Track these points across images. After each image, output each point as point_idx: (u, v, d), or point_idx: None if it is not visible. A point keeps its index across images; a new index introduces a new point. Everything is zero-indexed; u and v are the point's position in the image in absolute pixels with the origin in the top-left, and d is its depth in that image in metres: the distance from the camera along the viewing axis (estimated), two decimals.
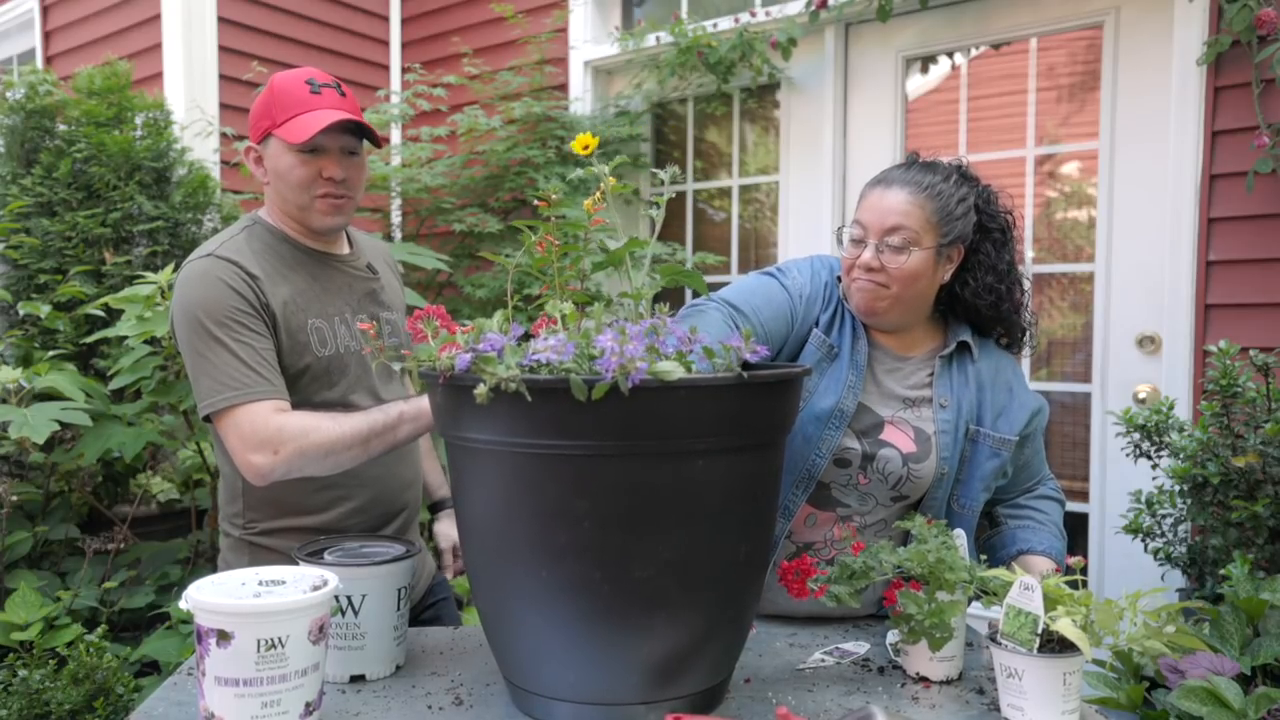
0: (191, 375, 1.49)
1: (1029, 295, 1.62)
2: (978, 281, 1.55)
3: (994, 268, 1.55)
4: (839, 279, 1.61)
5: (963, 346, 1.58)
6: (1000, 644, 1.16)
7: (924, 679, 1.30)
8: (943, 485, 1.53)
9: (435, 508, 1.91)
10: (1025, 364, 3.06)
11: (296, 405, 1.50)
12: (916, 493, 1.53)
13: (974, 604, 1.31)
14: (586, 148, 1.26)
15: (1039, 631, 1.13)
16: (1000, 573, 1.25)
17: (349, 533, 1.57)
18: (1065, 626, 1.12)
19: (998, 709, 1.19)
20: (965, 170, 1.57)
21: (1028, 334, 1.64)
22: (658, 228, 1.35)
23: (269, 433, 1.42)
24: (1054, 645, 1.15)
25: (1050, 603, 1.17)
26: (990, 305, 1.56)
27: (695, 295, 1.51)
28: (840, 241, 1.56)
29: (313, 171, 1.55)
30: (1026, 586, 1.16)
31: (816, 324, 1.56)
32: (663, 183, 1.27)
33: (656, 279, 1.26)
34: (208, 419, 1.48)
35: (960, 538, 1.36)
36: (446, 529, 1.85)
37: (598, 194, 1.25)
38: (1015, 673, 1.15)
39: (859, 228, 1.52)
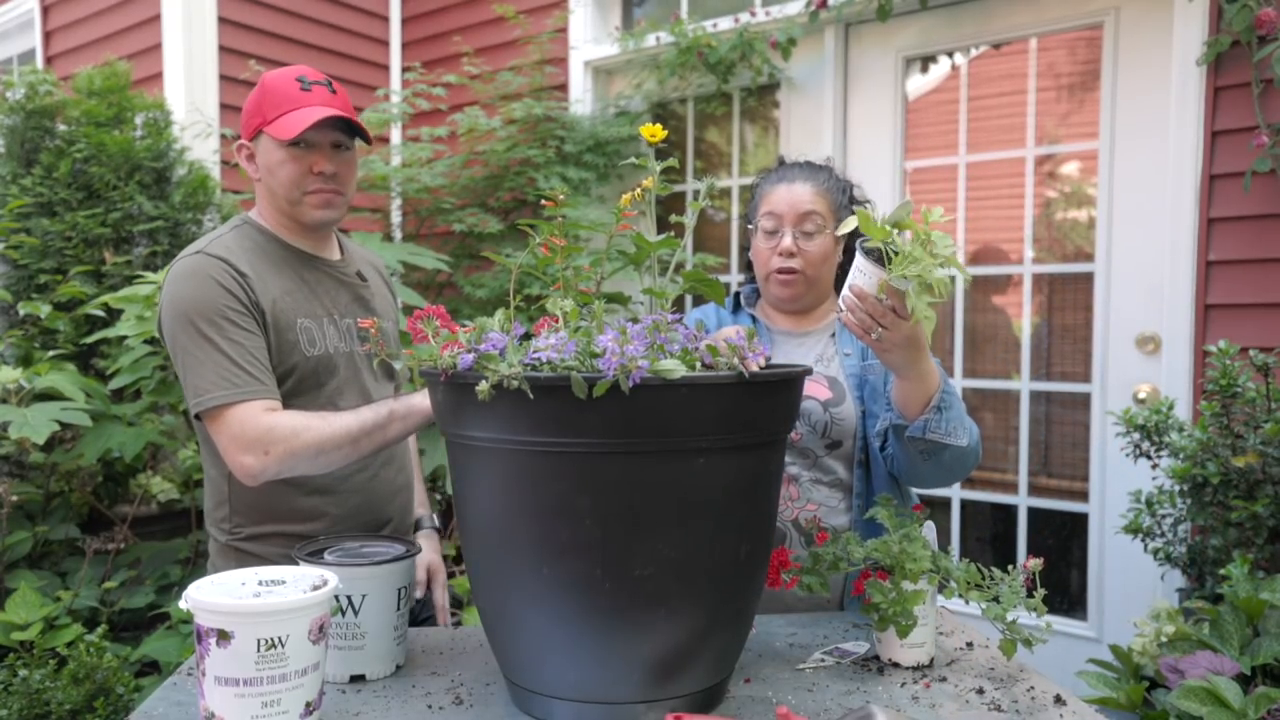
0: (181, 373, 1.48)
1: None
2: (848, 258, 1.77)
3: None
4: (736, 296, 1.80)
5: None
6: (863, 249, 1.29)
7: (895, 664, 1.34)
8: (865, 423, 1.65)
9: (412, 527, 1.85)
10: (1025, 364, 3.06)
11: (285, 406, 1.50)
12: (845, 436, 1.65)
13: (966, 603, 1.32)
14: (653, 135, 1.29)
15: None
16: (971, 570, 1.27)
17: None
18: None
19: (998, 709, 1.19)
20: (835, 169, 1.78)
21: None
22: (689, 234, 1.34)
23: (259, 433, 1.42)
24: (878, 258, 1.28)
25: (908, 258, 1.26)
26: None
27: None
28: (750, 236, 1.73)
29: (303, 167, 1.56)
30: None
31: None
32: (669, 185, 1.27)
33: (680, 282, 1.27)
34: (198, 417, 1.48)
35: (929, 530, 1.42)
36: (423, 551, 1.82)
37: (637, 192, 1.26)
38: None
39: (772, 219, 1.67)
